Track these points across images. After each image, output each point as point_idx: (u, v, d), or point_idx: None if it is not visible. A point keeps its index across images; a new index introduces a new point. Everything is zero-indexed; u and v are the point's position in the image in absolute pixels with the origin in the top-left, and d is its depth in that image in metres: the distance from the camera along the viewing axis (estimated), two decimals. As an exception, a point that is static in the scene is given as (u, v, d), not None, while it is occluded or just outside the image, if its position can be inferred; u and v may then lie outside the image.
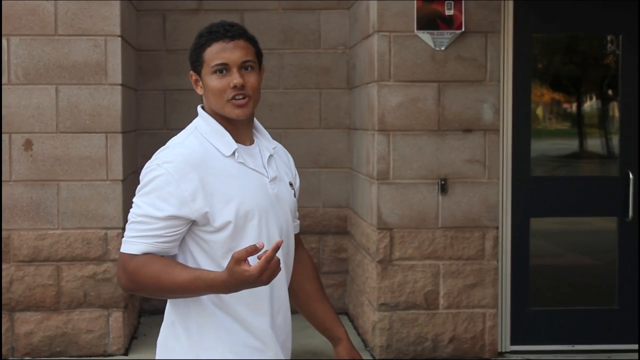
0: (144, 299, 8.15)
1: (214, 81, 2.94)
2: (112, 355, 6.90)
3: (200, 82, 3.01)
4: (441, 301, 6.81)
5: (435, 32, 6.71)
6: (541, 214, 7.05)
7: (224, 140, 2.94)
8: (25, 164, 6.77)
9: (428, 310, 6.80)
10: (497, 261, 6.85)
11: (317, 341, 7.23)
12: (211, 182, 2.84)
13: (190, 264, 2.88)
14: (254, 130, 3.09)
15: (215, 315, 2.87)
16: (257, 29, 8.17)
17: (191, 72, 3.04)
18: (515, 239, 6.92)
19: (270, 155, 3.06)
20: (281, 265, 2.88)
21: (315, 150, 8.07)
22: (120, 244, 6.65)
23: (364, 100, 7.33)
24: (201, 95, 3.04)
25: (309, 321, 3.35)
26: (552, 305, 7.12)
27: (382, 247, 6.73)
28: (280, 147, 3.20)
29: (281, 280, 3.00)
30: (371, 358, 6.87)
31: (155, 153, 2.93)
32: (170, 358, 2.95)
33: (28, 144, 6.78)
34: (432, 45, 6.72)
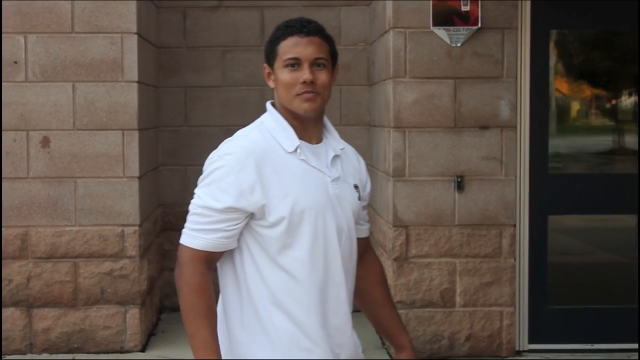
0: (164, 296, 8.19)
1: (284, 74, 2.95)
2: (129, 352, 6.95)
3: (273, 75, 3.02)
4: (458, 299, 6.79)
5: (452, 28, 6.68)
6: (559, 211, 6.99)
7: (288, 136, 2.96)
8: (42, 161, 6.84)
9: (444, 309, 6.77)
10: (515, 259, 6.80)
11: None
12: (270, 176, 2.86)
13: (246, 259, 2.91)
14: (323, 130, 3.09)
15: (267, 312, 2.89)
16: (277, 26, 8.18)
17: (265, 64, 3.06)
18: (533, 236, 6.87)
19: (336, 156, 3.06)
20: (339, 265, 2.95)
21: (336, 147, 8.06)
22: (136, 240, 6.77)
23: (381, 97, 7.32)
24: (273, 90, 3.06)
25: (373, 326, 3.38)
26: (571, 304, 7.06)
27: (397, 245, 6.72)
28: (350, 149, 3.20)
29: (339, 281, 2.99)
30: (387, 357, 6.86)
31: (221, 144, 2.97)
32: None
33: (45, 141, 6.84)
34: (448, 42, 6.69)
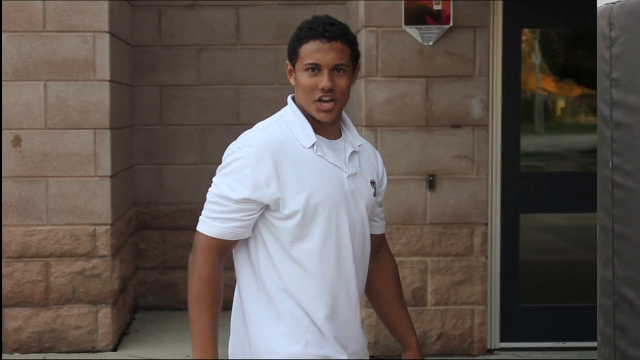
0: (139, 295, 8.21)
1: (304, 78, 3.00)
2: (101, 352, 6.96)
3: (294, 74, 3.07)
4: (429, 298, 6.81)
5: (423, 27, 6.70)
6: (531, 210, 7.02)
7: (305, 131, 3.01)
8: (14, 160, 6.84)
9: (416, 307, 6.80)
10: (486, 258, 6.83)
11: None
12: (286, 170, 2.92)
13: (260, 248, 2.98)
14: (342, 125, 3.14)
15: (281, 299, 2.95)
16: (252, 25, 8.20)
17: (287, 61, 3.11)
18: (505, 235, 6.90)
19: (354, 152, 3.10)
20: (350, 260, 3.02)
21: (311, 146, 8.08)
22: (108, 240, 6.78)
23: (353, 96, 7.33)
24: (294, 86, 3.09)
25: (383, 323, 3.42)
26: (542, 302, 7.09)
27: (369, 244, 6.73)
28: (368, 146, 3.25)
29: (350, 275, 3.05)
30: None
31: (241, 135, 3.03)
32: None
33: (17, 140, 6.85)
34: (420, 41, 6.71)
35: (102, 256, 6.90)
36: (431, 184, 6.73)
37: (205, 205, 2.99)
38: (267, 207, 2.94)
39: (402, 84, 6.72)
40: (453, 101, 6.74)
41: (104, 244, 6.88)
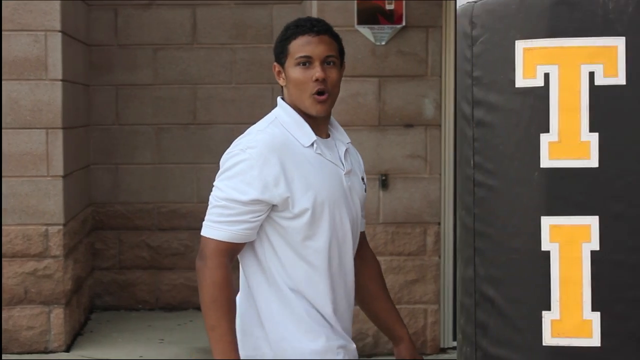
0: (96, 295, 8.23)
1: (296, 73, 3.03)
2: (53, 352, 6.98)
3: (283, 74, 3.09)
4: (382, 297, 6.85)
5: (376, 26, 6.75)
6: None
7: (304, 131, 3.04)
8: (-35, 160, 6.85)
9: (369, 307, 6.84)
10: (439, 257, 6.89)
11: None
12: (291, 169, 2.95)
13: (267, 249, 3.00)
14: (328, 125, 3.18)
15: (294, 298, 2.99)
16: (209, 24, 8.24)
17: (275, 63, 3.13)
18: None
19: (346, 149, 3.17)
20: (350, 255, 3.10)
21: (268, 145, 8.11)
22: (61, 240, 6.80)
23: (307, 95, 7.38)
24: (282, 87, 3.12)
25: (370, 319, 3.45)
26: (495, 302, 7.15)
27: (322, 243, 6.78)
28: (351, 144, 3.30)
29: (349, 269, 3.12)
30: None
31: (235, 140, 3.03)
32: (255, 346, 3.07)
33: (-32, 140, 6.86)
34: (373, 40, 6.76)
35: (54, 256, 6.92)
36: (384, 184, 6.78)
37: (210, 210, 2.98)
38: (273, 208, 2.96)
39: (354, 83, 6.77)
40: (406, 101, 6.79)
41: (56, 244, 6.90)
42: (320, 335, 3.01)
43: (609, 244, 2.10)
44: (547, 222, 2.10)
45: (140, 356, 6.92)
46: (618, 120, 2.11)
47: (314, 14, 6.84)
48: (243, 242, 2.97)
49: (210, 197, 2.99)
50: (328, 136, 3.14)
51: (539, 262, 2.11)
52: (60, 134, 6.88)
